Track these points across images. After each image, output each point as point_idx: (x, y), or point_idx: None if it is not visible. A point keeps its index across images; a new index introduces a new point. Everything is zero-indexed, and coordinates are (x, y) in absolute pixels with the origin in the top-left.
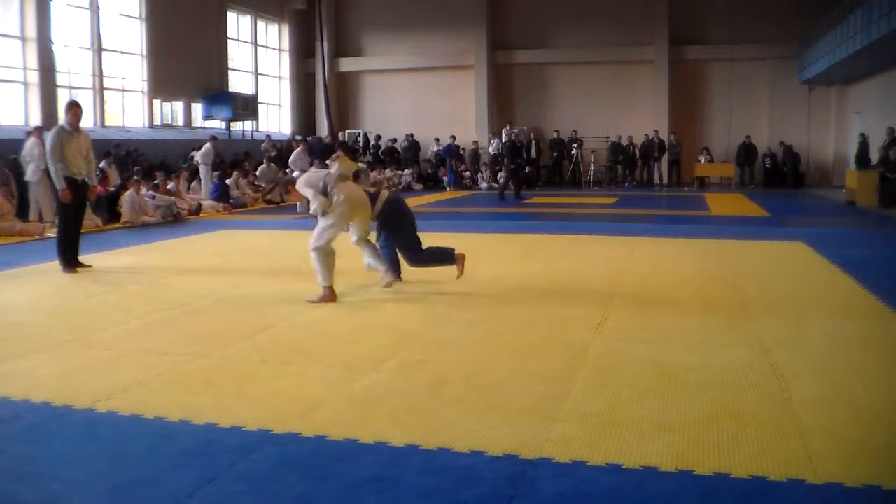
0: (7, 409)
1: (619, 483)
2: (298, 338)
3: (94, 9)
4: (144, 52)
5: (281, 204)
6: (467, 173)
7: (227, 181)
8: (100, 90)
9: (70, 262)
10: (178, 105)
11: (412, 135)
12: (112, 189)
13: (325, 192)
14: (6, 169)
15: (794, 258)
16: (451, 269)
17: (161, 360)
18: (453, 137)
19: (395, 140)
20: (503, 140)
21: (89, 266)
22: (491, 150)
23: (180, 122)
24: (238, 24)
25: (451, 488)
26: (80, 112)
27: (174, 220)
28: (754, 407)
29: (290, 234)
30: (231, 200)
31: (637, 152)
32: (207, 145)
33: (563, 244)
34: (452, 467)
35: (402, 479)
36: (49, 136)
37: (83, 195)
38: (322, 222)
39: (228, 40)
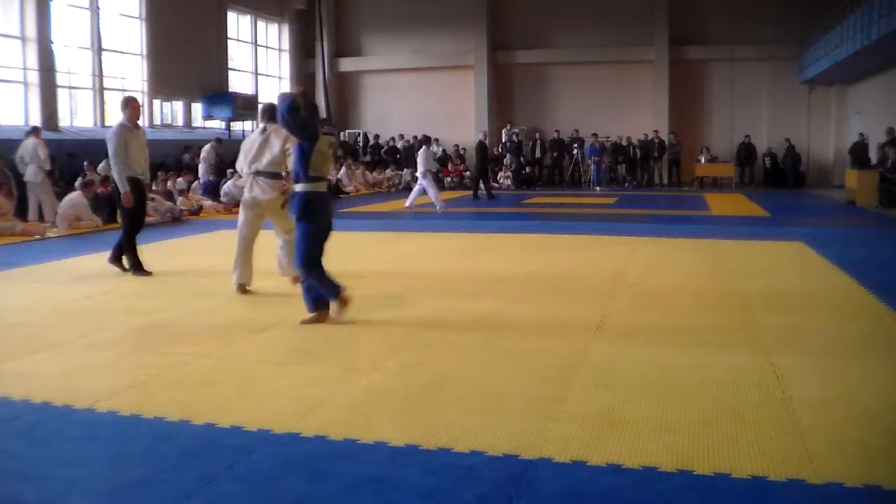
0: (7, 409)
1: (619, 483)
2: (298, 338)
3: (94, 9)
4: (144, 52)
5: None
6: (468, 173)
7: (228, 181)
8: (100, 90)
9: (139, 264)
10: (178, 105)
11: (416, 137)
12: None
13: None
14: (6, 169)
15: (793, 258)
16: (458, 271)
17: (161, 360)
18: (595, 135)
19: (393, 139)
20: (503, 140)
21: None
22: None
23: (180, 122)
24: (238, 24)
25: (451, 488)
26: (140, 108)
27: (174, 221)
28: (754, 407)
29: None
30: (225, 199)
31: (637, 152)
32: (208, 146)
33: (563, 244)
34: (452, 467)
35: (402, 479)
36: (112, 137)
37: (144, 194)
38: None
39: (228, 40)
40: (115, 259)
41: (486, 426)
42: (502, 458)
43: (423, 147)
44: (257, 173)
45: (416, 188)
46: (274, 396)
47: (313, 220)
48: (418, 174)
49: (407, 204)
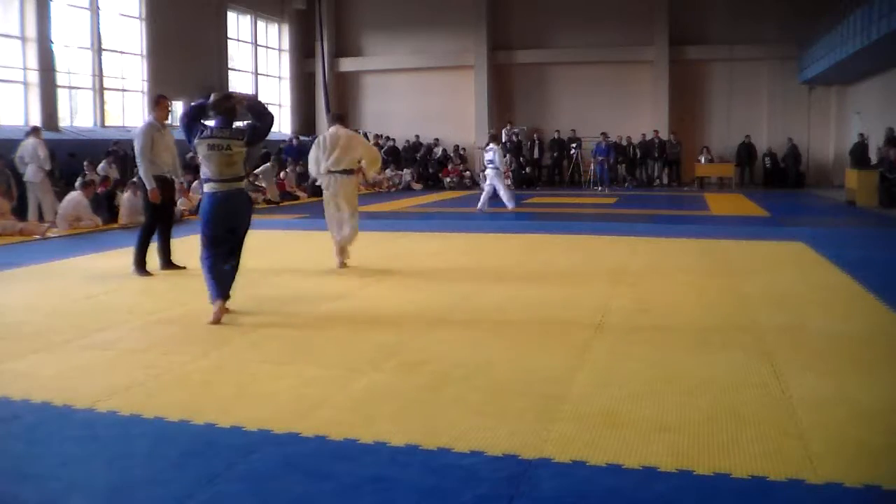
0: (7, 409)
1: (619, 483)
2: (298, 338)
3: (94, 9)
4: (144, 52)
5: (281, 204)
6: (467, 173)
7: None
8: (100, 90)
9: (143, 264)
10: (178, 105)
11: (418, 136)
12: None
13: None
14: (6, 169)
15: (794, 258)
16: (458, 271)
17: (161, 360)
18: (604, 134)
19: (388, 137)
20: (503, 140)
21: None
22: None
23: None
24: (238, 24)
25: (451, 488)
26: (169, 107)
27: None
28: (754, 407)
29: (288, 235)
30: None
31: (637, 152)
32: None
33: (562, 244)
34: (452, 467)
35: (402, 479)
36: (139, 135)
37: (172, 193)
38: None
39: (228, 40)
40: (167, 264)
41: (486, 426)
42: (502, 458)
43: (492, 145)
44: (332, 172)
45: (488, 189)
46: (274, 396)
47: (202, 217)
48: (491, 173)
49: (479, 207)
